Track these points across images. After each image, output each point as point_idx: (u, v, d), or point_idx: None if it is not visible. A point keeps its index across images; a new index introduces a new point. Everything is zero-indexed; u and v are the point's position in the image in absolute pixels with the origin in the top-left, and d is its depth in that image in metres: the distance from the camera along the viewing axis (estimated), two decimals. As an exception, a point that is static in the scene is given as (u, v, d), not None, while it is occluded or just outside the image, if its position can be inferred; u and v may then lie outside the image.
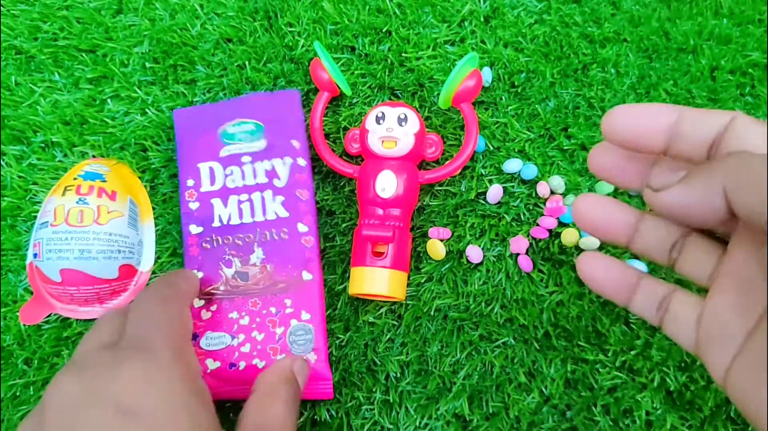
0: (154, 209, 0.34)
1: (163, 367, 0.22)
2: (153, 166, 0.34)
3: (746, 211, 0.16)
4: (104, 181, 0.32)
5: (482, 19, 0.36)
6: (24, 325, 0.32)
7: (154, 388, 0.21)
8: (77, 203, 0.31)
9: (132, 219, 0.32)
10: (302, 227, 0.31)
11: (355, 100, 0.35)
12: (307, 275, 0.31)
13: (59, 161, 0.34)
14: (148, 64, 0.35)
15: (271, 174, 0.32)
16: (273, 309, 0.30)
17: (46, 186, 0.34)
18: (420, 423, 0.31)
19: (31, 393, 0.31)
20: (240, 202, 0.31)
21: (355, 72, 0.35)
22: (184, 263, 0.32)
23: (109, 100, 0.35)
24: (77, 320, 0.32)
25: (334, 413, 0.31)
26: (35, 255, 0.31)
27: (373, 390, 0.31)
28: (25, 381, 0.31)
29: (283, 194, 0.31)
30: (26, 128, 0.34)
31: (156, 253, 0.33)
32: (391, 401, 0.31)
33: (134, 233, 0.32)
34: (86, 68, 0.35)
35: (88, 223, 0.30)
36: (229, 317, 0.30)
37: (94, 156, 0.34)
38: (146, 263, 0.33)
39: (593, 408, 0.30)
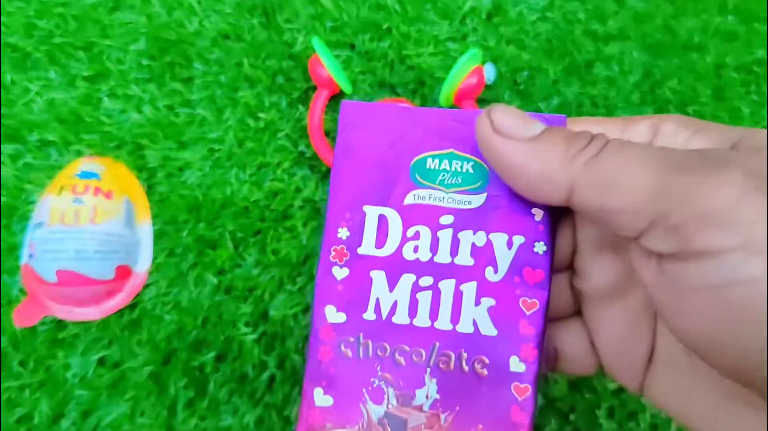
0: (150, 208, 0.33)
1: None
2: (149, 165, 0.34)
3: (593, 215, 0.15)
4: (100, 180, 0.31)
5: (484, 16, 0.35)
6: (18, 327, 0.32)
7: None
8: (73, 202, 0.30)
9: (128, 219, 0.32)
10: (517, 364, 0.18)
11: (355, 98, 0.34)
12: None
13: (55, 159, 0.33)
14: (144, 62, 0.35)
15: (484, 256, 0.19)
16: None
17: (41, 185, 0.33)
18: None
19: (27, 395, 0.31)
20: (418, 289, 0.19)
21: (355, 69, 0.35)
22: (305, 370, 0.19)
23: (105, 98, 0.34)
24: (73, 321, 0.32)
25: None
26: (30, 256, 0.30)
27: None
28: (20, 384, 0.31)
29: (495, 295, 0.18)
30: (21, 126, 0.34)
31: (153, 254, 0.33)
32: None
33: (130, 233, 0.31)
34: (82, 66, 0.35)
35: (84, 223, 0.30)
36: None
37: (89, 155, 0.34)
38: (143, 264, 0.32)
39: (597, 411, 0.30)
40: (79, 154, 0.34)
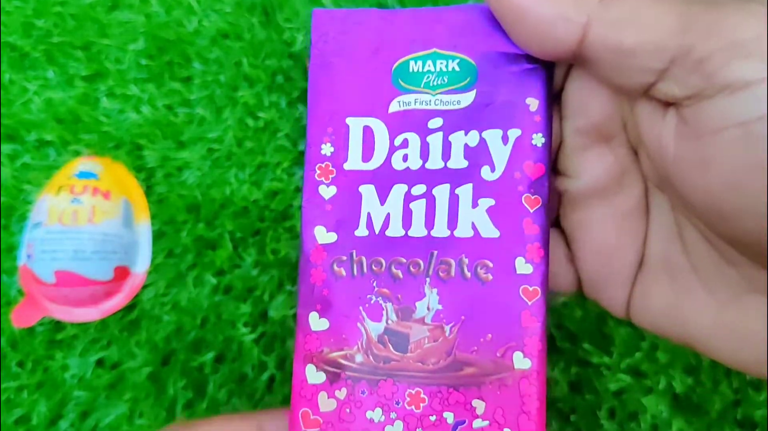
0: (149, 208, 0.33)
1: None
2: (148, 165, 0.33)
3: (608, 58, 0.13)
4: (98, 180, 0.31)
5: (484, 15, 0.35)
6: (16, 328, 0.31)
7: None
8: (71, 202, 0.30)
9: (127, 219, 0.31)
10: (523, 266, 0.17)
11: (354, 98, 0.34)
12: (521, 362, 0.17)
13: (53, 159, 0.33)
14: (143, 61, 0.35)
15: (479, 156, 0.18)
16: (449, 416, 0.17)
17: (39, 185, 0.33)
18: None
19: (25, 396, 0.31)
20: (411, 198, 0.18)
21: (355, 69, 0.35)
22: (298, 295, 0.19)
23: (103, 98, 0.34)
24: (71, 322, 0.32)
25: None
26: (28, 256, 0.30)
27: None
28: (18, 385, 0.31)
29: (494, 194, 0.17)
30: (19, 126, 0.34)
31: (151, 254, 0.32)
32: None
33: (129, 233, 0.31)
34: (80, 65, 0.35)
35: (83, 223, 0.30)
36: (367, 418, 0.17)
37: (88, 155, 0.34)
38: (141, 264, 0.32)
39: (598, 412, 0.30)
40: (77, 154, 0.34)
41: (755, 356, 0.14)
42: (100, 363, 0.31)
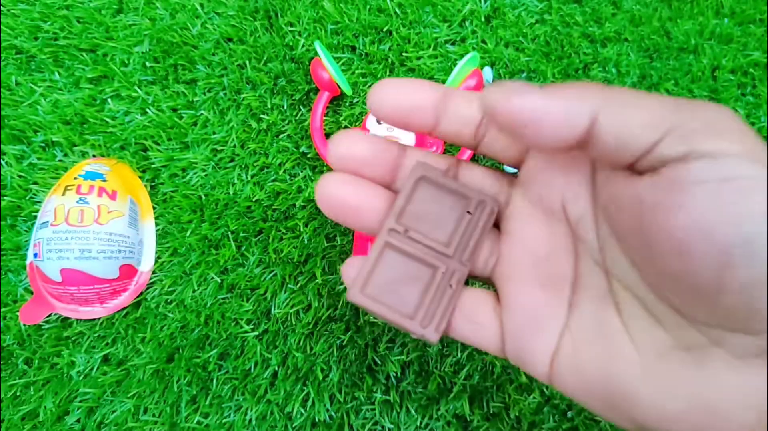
0: (154, 208, 0.34)
1: None
2: (153, 165, 0.34)
3: (614, 135, 0.15)
4: (104, 180, 0.32)
5: (483, 19, 0.36)
6: (24, 325, 0.32)
7: None
8: (77, 202, 0.31)
9: (132, 219, 0.32)
10: None
11: (355, 100, 0.35)
12: None
13: (59, 160, 0.34)
14: (148, 64, 0.35)
15: None
16: None
17: (46, 186, 0.34)
18: (420, 423, 0.30)
19: (32, 393, 0.31)
20: None
21: (356, 72, 0.35)
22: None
23: (109, 100, 0.35)
24: (78, 320, 0.32)
25: (334, 413, 0.31)
26: (35, 255, 0.31)
27: (374, 390, 0.31)
28: (26, 381, 0.31)
29: None
30: (26, 127, 0.34)
31: (156, 253, 0.33)
32: (392, 401, 0.31)
33: (135, 232, 0.32)
34: (86, 68, 0.35)
35: (89, 223, 0.30)
36: None
37: (94, 156, 0.34)
38: (146, 263, 0.33)
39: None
40: (83, 155, 0.34)
41: (681, 409, 0.16)
42: (106, 359, 0.32)
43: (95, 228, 0.30)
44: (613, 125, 0.16)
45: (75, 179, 0.32)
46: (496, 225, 0.21)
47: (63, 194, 0.31)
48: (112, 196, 0.31)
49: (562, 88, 0.16)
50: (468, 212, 0.21)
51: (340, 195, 0.19)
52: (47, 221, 0.31)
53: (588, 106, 0.16)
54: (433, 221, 0.21)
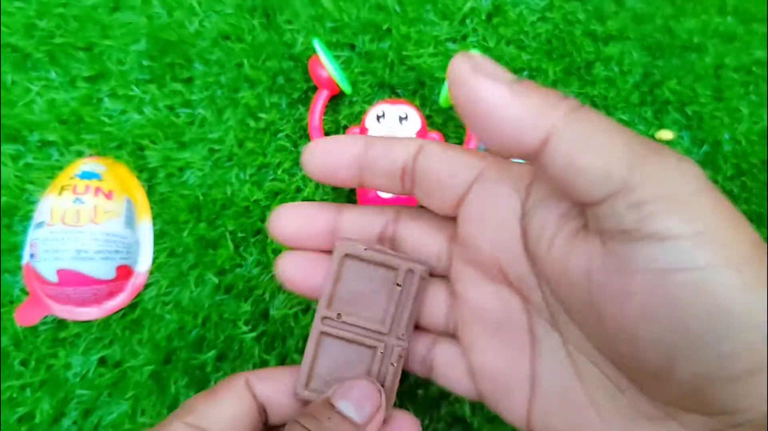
0: (151, 208, 0.33)
1: None
2: (150, 165, 0.34)
3: (562, 166, 0.14)
4: (101, 180, 0.32)
5: (484, 17, 0.35)
6: (20, 326, 0.32)
7: None
8: (73, 202, 0.30)
9: (129, 219, 0.32)
10: None
11: (355, 99, 0.35)
12: None
13: (56, 160, 0.34)
14: (145, 62, 0.35)
15: None
16: None
17: (42, 186, 0.33)
18: (421, 425, 0.30)
19: (28, 394, 0.31)
20: None
21: (355, 70, 0.35)
22: None
23: (105, 99, 0.34)
24: (74, 321, 0.32)
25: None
26: (32, 256, 0.31)
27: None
28: (22, 383, 0.31)
29: None
30: (22, 126, 0.34)
31: (153, 254, 0.33)
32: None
33: (131, 233, 0.32)
34: (83, 66, 0.35)
35: (85, 222, 0.30)
36: None
37: (90, 155, 0.34)
38: (143, 263, 0.32)
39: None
40: (79, 154, 0.34)
41: None
42: (102, 361, 0.32)
43: (91, 228, 0.30)
44: (563, 155, 0.14)
45: (71, 178, 0.31)
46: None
47: (59, 194, 0.31)
48: (108, 196, 0.31)
49: (533, 90, 0.14)
50: (398, 284, 0.20)
51: (295, 277, 0.20)
52: (43, 222, 0.30)
53: (547, 121, 0.14)
54: (364, 299, 0.21)
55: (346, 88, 0.33)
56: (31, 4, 0.36)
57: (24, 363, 0.31)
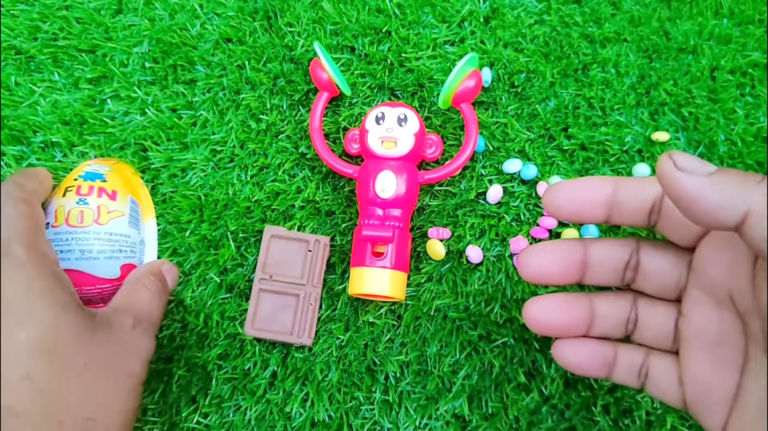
0: (155, 208, 0.34)
1: (19, 263, 0.25)
2: (153, 166, 0.34)
3: (759, 240, 0.16)
4: (104, 181, 0.32)
5: (482, 20, 0.36)
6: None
7: (13, 281, 0.24)
8: (77, 203, 0.31)
9: (133, 218, 0.32)
10: None
11: (354, 101, 0.35)
12: None
13: (59, 161, 0.34)
14: (147, 64, 0.35)
15: None
16: None
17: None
18: (419, 423, 0.31)
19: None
20: None
21: (355, 72, 0.35)
22: None
23: (108, 101, 0.35)
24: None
25: (333, 413, 0.31)
26: None
27: (373, 390, 0.31)
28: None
29: None
30: (26, 128, 0.34)
31: (158, 252, 0.33)
32: (391, 401, 0.31)
33: (135, 232, 0.32)
34: (86, 68, 0.35)
35: (89, 223, 0.31)
36: None
37: (95, 157, 0.34)
38: (148, 262, 0.33)
39: (593, 408, 0.30)
40: (83, 155, 0.34)
41: None
42: (105, 360, 0.32)
43: (95, 229, 0.31)
44: (760, 231, 0.16)
45: (75, 180, 0.32)
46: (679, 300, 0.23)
47: (63, 196, 0.31)
48: (112, 196, 0.32)
49: (731, 176, 0.17)
50: (309, 250, 0.31)
51: (546, 320, 0.23)
52: (48, 223, 0.31)
53: (743, 204, 0.16)
54: (288, 263, 0.32)
55: (346, 90, 0.34)
56: (34, 7, 0.36)
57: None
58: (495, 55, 0.35)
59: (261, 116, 0.35)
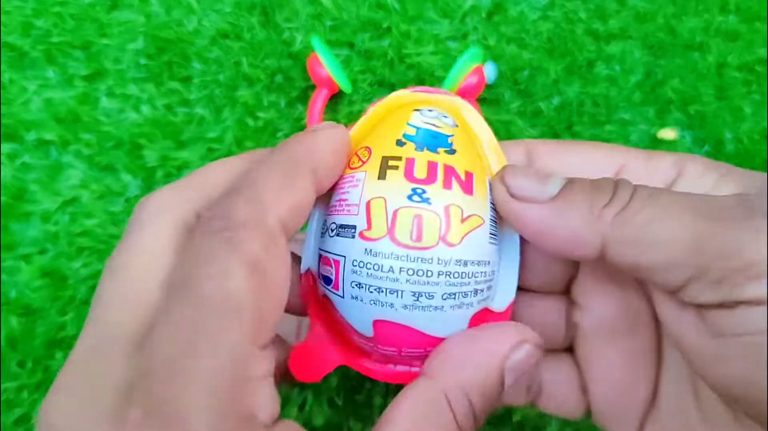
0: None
1: None
2: (148, 165, 0.33)
3: (628, 269, 0.14)
4: (453, 152, 0.16)
5: (485, 15, 0.35)
6: (17, 326, 0.31)
7: None
8: (410, 199, 0.15)
9: (494, 225, 0.17)
10: None
11: (354, 98, 0.34)
12: None
13: (54, 159, 0.33)
14: (142, 61, 0.35)
15: None
16: None
17: (40, 184, 0.33)
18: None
19: (25, 396, 0.31)
20: None
21: (355, 68, 0.35)
22: None
23: (103, 98, 0.34)
24: (69, 322, 0.31)
25: (332, 418, 0.30)
26: (328, 281, 0.17)
27: (373, 394, 0.31)
28: (19, 384, 0.31)
29: None
30: (19, 125, 0.34)
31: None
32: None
33: (495, 251, 0.17)
34: (80, 65, 0.35)
35: (431, 242, 0.15)
36: None
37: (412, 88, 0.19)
38: (501, 301, 0.18)
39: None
40: (77, 154, 0.34)
41: None
42: (99, 362, 0.31)
43: (442, 253, 0.15)
44: (625, 260, 0.14)
45: (399, 141, 0.17)
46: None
47: (380, 177, 0.16)
48: (467, 184, 0.16)
49: (576, 199, 0.14)
50: None
51: None
52: (353, 227, 0.16)
53: (596, 234, 0.14)
54: None
55: (346, 86, 0.33)
56: (28, 3, 0.36)
57: (21, 364, 0.31)
58: (498, 51, 0.34)
59: (258, 114, 0.34)
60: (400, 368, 0.18)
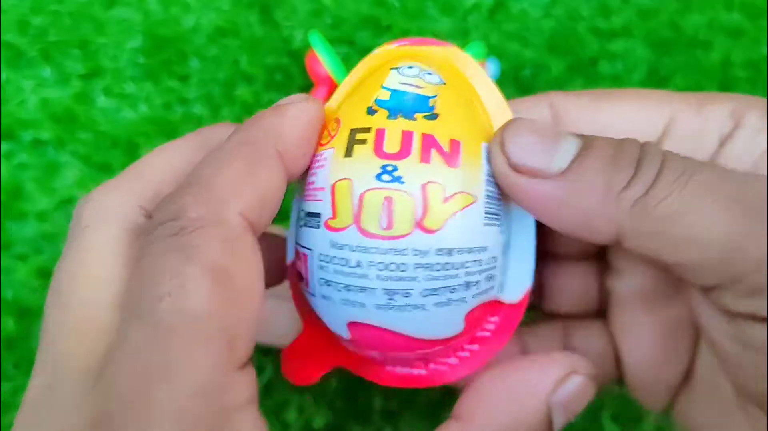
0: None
1: None
2: (146, 164, 0.33)
3: (648, 261, 0.13)
4: (434, 117, 0.14)
5: (486, 12, 0.35)
6: (15, 324, 0.31)
7: None
8: (379, 178, 0.13)
9: (492, 200, 0.15)
10: None
11: (354, 96, 0.34)
12: None
13: (50, 158, 0.33)
14: (140, 59, 0.34)
15: None
16: None
17: (37, 183, 0.33)
18: (422, 429, 0.30)
19: (21, 398, 0.30)
20: None
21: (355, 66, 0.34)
22: None
23: (100, 96, 0.34)
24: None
25: (332, 420, 0.30)
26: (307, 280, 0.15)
27: (373, 396, 0.30)
28: (14, 386, 0.31)
29: None
30: (15, 124, 0.34)
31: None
32: (392, 408, 0.30)
33: (497, 234, 0.15)
34: (77, 64, 0.34)
35: (405, 230, 0.13)
36: None
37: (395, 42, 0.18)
38: (513, 290, 0.16)
39: (601, 413, 0.30)
40: (74, 153, 0.33)
41: None
42: (96, 364, 0.31)
43: (418, 241, 0.13)
44: (644, 254, 0.12)
45: (374, 105, 0.14)
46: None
47: (348, 151, 0.14)
48: (452, 155, 0.14)
49: (590, 173, 0.12)
50: None
51: None
52: (318, 215, 0.14)
53: (609, 224, 0.12)
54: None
55: (346, 85, 0.33)
56: (25, 1, 0.35)
57: (16, 365, 0.31)
58: (499, 49, 0.34)
59: (257, 112, 0.34)
60: (399, 370, 0.16)
